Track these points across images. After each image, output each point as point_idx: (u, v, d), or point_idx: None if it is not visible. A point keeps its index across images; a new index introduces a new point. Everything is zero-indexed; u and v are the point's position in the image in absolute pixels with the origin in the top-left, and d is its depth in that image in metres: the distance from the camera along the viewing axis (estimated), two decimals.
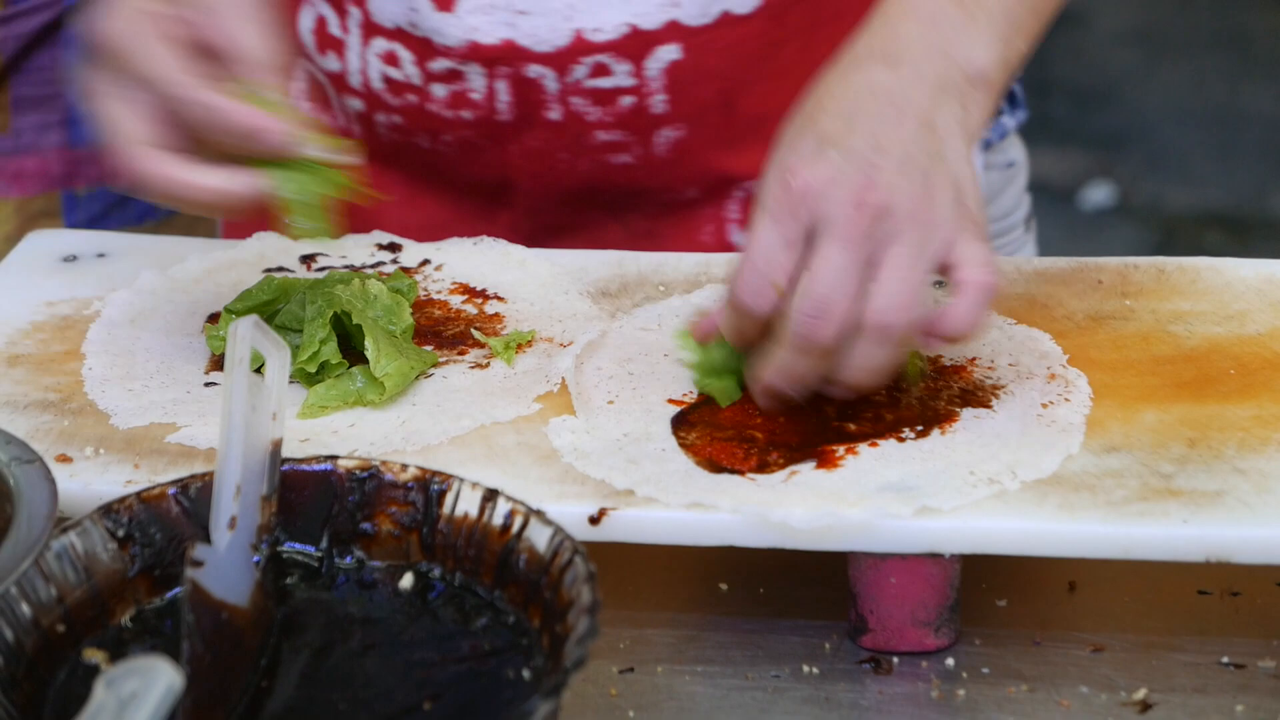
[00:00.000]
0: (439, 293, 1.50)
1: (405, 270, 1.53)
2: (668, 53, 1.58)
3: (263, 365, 1.15)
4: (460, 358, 1.41)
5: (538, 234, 1.66)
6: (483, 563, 1.14)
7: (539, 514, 1.13)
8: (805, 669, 1.24)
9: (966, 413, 1.32)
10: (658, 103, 1.60)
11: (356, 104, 1.66)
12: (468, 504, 1.15)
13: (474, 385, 1.38)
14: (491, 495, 1.15)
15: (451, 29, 1.57)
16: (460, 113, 1.62)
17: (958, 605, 1.25)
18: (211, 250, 1.56)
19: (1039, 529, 1.20)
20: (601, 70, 1.58)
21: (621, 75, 1.58)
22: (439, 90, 1.61)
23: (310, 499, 1.17)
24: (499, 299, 1.49)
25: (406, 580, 1.16)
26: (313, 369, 1.36)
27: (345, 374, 1.36)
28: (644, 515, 1.22)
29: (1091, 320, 1.43)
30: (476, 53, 1.58)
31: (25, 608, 1.08)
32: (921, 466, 1.25)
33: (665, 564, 1.31)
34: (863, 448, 1.28)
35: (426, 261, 1.55)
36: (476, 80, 1.59)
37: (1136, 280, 1.48)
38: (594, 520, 1.22)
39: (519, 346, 1.42)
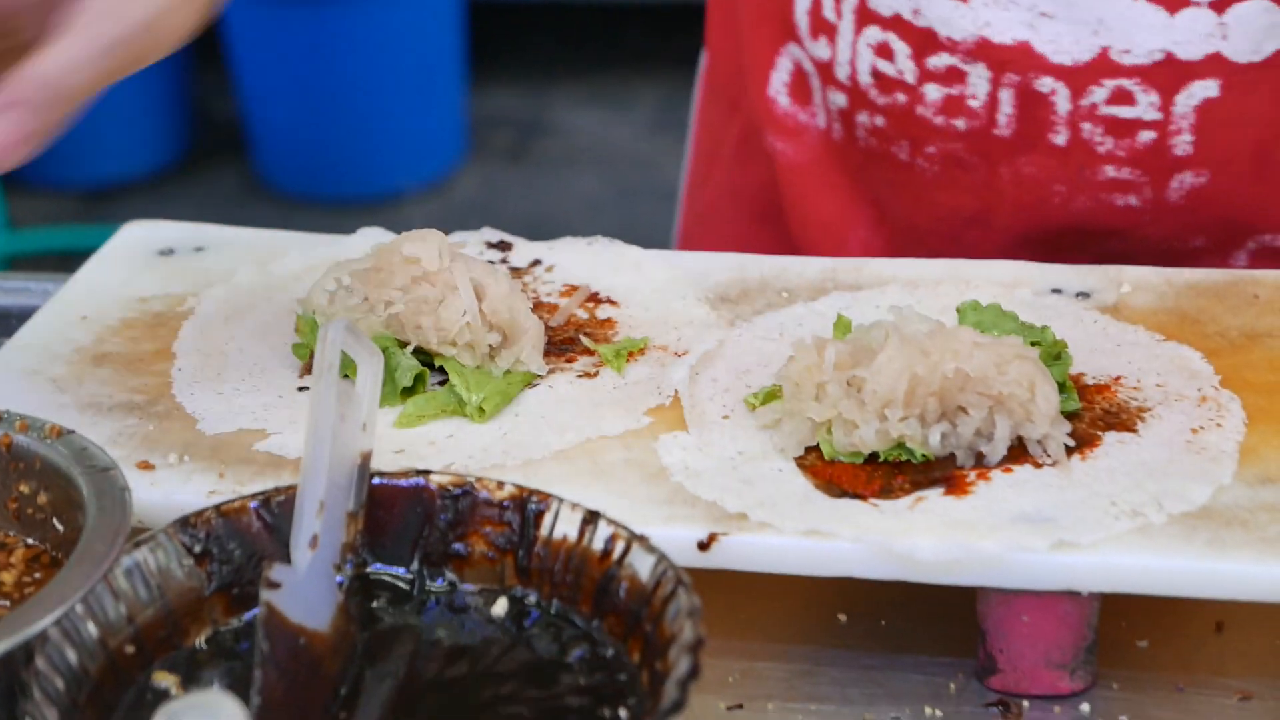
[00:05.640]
0: (549, 295, 1.43)
1: (515, 271, 1.46)
2: (1203, 89, 1.44)
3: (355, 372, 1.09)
4: (568, 365, 1.34)
5: None
6: (581, 590, 1.07)
7: (642, 539, 1.05)
8: (928, 710, 1.18)
9: (1109, 437, 1.24)
10: (1182, 144, 1.47)
11: (840, 99, 1.56)
12: (567, 526, 1.08)
13: (581, 395, 1.30)
14: (592, 517, 1.07)
15: (961, 20, 1.46)
16: (952, 120, 1.50)
17: (1095, 646, 1.18)
18: (314, 246, 1.51)
19: (1186, 567, 1.13)
20: (1123, 97, 1.44)
21: (1145, 107, 1.45)
22: (933, 91, 1.50)
23: (400, 516, 1.11)
24: (612, 303, 1.42)
25: (500, 606, 1.09)
26: (407, 383, 1.29)
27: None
28: (757, 541, 1.16)
29: (1246, 338, 1.35)
30: (985, 51, 1.46)
31: (91, 628, 1.01)
32: (1059, 495, 1.18)
33: (779, 591, 1.24)
34: (995, 473, 1.20)
35: (537, 262, 1.48)
36: (978, 84, 1.48)
37: None
38: (703, 546, 1.15)
39: (630, 355, 1.34)
